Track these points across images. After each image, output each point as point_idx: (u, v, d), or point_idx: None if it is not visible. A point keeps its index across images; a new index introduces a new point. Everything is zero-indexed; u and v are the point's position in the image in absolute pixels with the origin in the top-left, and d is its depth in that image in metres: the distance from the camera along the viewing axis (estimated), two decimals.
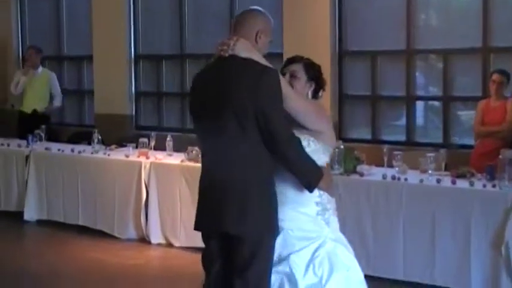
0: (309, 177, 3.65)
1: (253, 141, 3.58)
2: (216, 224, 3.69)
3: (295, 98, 3.72)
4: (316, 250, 3.70)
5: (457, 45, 8.48)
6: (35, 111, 9.91)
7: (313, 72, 3.91)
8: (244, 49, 3.67)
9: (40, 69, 10.19)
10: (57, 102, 10.28)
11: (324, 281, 3.66)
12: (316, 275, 3.67)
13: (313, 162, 3.66)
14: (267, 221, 3.63)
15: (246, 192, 3.60)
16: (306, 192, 3.69)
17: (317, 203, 3.74)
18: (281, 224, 3.73)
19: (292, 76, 3.87)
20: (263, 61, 3.67)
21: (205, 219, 3.75)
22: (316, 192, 3.71)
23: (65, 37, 12.10)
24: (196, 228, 3.83)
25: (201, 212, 3.79)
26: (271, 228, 3.65)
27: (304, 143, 3.70)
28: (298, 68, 3.88)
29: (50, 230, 7.89)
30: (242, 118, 3.56)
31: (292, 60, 3.94)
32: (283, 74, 3.86)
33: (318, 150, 3.75)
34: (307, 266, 3.69)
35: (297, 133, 3.69)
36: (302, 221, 3.74)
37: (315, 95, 3.95)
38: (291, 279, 3.69)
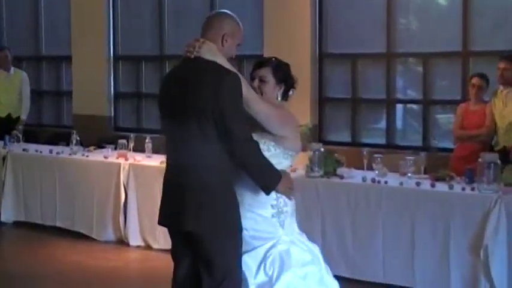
0: (265, 180, 3.74)
1: (212, 141, 3.64)
2: (174, 222, 3.79)
3: (258, 102, 3.78)
4: (268, 250, 3.81)
5: (437, 48, 8.53)
6: (9, 115, 9.76)
7: (282, 74, 3.95)
8: (208, 52, 3.73)
9: (12, 70, 10.01)
10: (26, 102, 10.01)
11: (273, 280, 3.75)
12: (267, 274, 3.78)
13: (270, 165, 3.73)
14: (225, 219, 3.69)
15: (204, 191, 3.67)
16: (263, 194, 3.77)
17: (273, 206, 3.84)
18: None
19: (261, 81, 3.92)
20: (227, 64, 3.73)
21: (167, 215, 3.85)
22: (273, 195, 3.79)
23: (44, 37, 12.02)
24: (159, 223, 3.93)
25: (163, 207, 3.89)
26: (229, 226, 3.70)
27: (264, 147, 3.78)
28: (266, 72, 3.93)
29: (28, 231, 7.82)
30: (202, 119, 3.63)
31: (260, 64, 3.98)
32: (253, 79, 3.94)
33: (277, 155, 3.84)
34: (259, 266, 3.79)
35: (258, 137, 3.76)
36: (257, 222, 3.84)
37: (285, 96, 3.99)
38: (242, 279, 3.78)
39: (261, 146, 3.75)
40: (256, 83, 3.91)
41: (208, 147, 3.65)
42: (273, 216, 3.84)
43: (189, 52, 3.76)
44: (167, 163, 3.94)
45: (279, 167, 3.79)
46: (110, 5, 10.97)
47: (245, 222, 3.79)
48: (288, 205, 3.88)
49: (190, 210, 3.67)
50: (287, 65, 4.03)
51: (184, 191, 3.70)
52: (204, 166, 3.67)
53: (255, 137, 3.76)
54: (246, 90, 3.72)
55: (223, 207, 3.69)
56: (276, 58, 4.03)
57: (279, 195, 3.82)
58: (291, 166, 4.01)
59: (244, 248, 3.80)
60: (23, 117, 9.88)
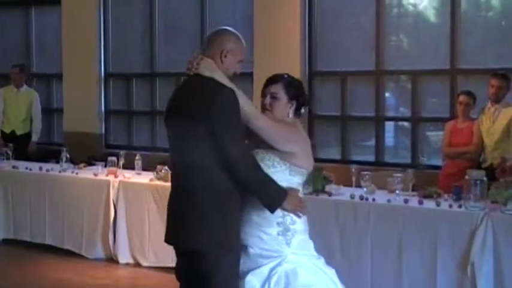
0: (269, 198, 3.69)
1: (208, 159, 3.62)
2: (175, 240, 3.81)
3: (258, 118, 3.74)
4: (273, 268, 3.73)
5: (425, 66, 8.59)
6: (13, 132, 9.79)
7: (294, 91, 3.89)
8: (207, 68, 3.73)
9: (24, 87, 10.05)
10: (38, 123, 10.05)
11: None
12: None
13: (273, 182, 3.68)
14: (223, 238, 3.65)
15: (202, 209, 3.65)
16: (268, 212, 3.71)
17: (278, 223, 3.76)
18: (245, 240, 3.77)
19: (273, 97, 3.86)
20: (225, 80, 3.71)
21: (168, 233, 3.87)
22: (279, 212, 3.72)
23: (34, 55, 12.04)
24: (165, 240, 3.93)
25: (167, 226, 3.90)
26: (226, 245, 3.66)
27: (269, 163, 3.73)
28: (278, 89, 3.87)
29: (17, 249, 7.79)
30: (198, 136, 3.63)
31: (272, 80, 3.92)
32: (264, 95, 3.89)
33: (283, 171, 3.76)
34: (263, 285, 3.71)
35: (263, 153, 3.73)
36: (263, 240, 3.77)
37: (297, 112, 3.94)
38: None
39: (266, 162, 3.73)
40: (267, 99, 3.87)
41: (204, 163, 3.63)
42: (278, 234, 3.75)
43: (188, 69, 3.78)
44: (171, 179, 3.96)
45: (285, 183, 3.73)
46: (101, 22, 11.02)
47: (251, 240, 3.76)
48: (295, 223, 3.78)
49: (189, 228, 3.67)
50: (300, 82, 4.00)
51: (183, 208, 3.71)
52: (202, 182, 3.65)
53: (259, 153, 3.74)
54: (246, 106, 3.69)
55: (221, 225, 3.65)
56: (288, 75, 3.97)
57: (286, 213, 3.74)
58: (301, 184, 3.91)
59: (249, 266, 3.75)
60: (34, 138, 9.93)
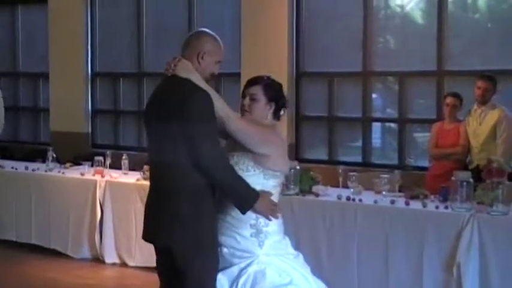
0: (240, 199, 3.75)
1: (182, 159, 3.67)
2: (151, 237, 3.89)
3: (234, 120, 3.78)
4: (243, 269, 3.78)
5: (412, 68, 8.62)
6: None
7: (273, 93, 3.92)
8: (183, 69, 3.78)
9: None
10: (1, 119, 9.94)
11: None
12: None
13: (245, 185, 3.74)
14: (196, 236, 3.69)
15: (176, 207, 3.71)
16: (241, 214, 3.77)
17: (251, 225, 3.81)
18: (220, 239, 3.82)
19: (252, 99, 3.89)
20: (201, 82, 3.76)
21: (145, 230, 3.95)
22: (252, 214, 3.78)
23: (21, 53, 11.99)
24: (142, 237, 4.00)
25: (144, 223, 3.97)
26: (200, 244, 3.71)
27: (243, 167, 3.79)
28: (257, 91, 3.90)
29: (2, 249, 7.74)
30: (172, 136, 3.69)
31: (252, 82, 3.95)
32: (244, 96, 3.92)
33: (257, 175, 3.81)
34: (231, 284, 3.77)
35: (237, 157, 3.80)
36: (237, 240, 3.82)
37: (276, 115, 3.96)
38: None
39: (240, 165, 3.78)
40: (246, 100, 3.90)
41: (179, 163, 3.68)
42: (251, 235, 3.80)
43: (166, 70, 3.83)
44: (150, 180, 4.00)
45: (259, 187, 3.78)
46: (88, 21, 10.99)
47: (226, 240, 3.81)
48: (269, 225, 3.82)
49: (164, 225, 3.75)
50: (279, 84, 4.01)
51: (158, 205, 3.79)
52: (177, 181, 3.71)
53: (235, 157, 3.78)
54: (222, 108, 3.74)
55: (195, 223, 3.70)
56: (268, 77, 3.99)
57: (259, 215, 3.80)
58: (276, 186, 3.92)
59: (222, 265, 3.79)
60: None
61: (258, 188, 3.78)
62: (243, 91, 3.96)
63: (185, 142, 3.64)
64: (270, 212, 3.81)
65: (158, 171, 3.86)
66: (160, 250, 3.90)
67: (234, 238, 3.81)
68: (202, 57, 3.84)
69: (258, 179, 3.80)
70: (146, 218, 3.93)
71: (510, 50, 8.20)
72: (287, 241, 3.97)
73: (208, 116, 3.67)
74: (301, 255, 3.99)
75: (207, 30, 3.99)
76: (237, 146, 3.81)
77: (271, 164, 3.82)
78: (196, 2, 10.07)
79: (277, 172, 3.88)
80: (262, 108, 3.90)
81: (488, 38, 8.36)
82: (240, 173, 3.77)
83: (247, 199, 3.74)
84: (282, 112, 3.97)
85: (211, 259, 3.76)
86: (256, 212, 3.77)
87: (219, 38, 3.95)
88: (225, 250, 3.82)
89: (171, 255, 3.73)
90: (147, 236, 3.94)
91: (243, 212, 3.75)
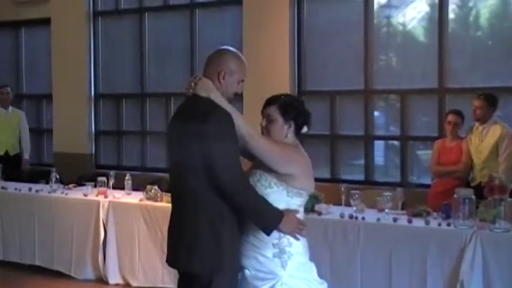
0: (264, 220, 3.63)
1: (202, 181, 3.57)
2: (172, 261, 3.83)
3: (257, 139, 3.69)
4: None
5: (414, 85, 8.64)
6: (7, 152, 9.79)
7: (290, 112, 3.81)
8: (203, 89, 3.69)
9: (10, 108, 10.05)
10: (27, 142, 10.10)
11: None
12: None
13: (268, 204, 3.64)
14: (216, 260, 3.61)
15: (196, 230, 3.63)
16: (264, 234, 3.67)
17: (274, 245, 3.69)
18: (242, 261, 3.74)
19: (268, 120, 3.82)
20: (221, 101, 3.67)
21: (168, 254, 3.88)
22: (275, 234, 3.67)
23: (24, 75, 12.05)
24: (165, 261, 3.94)
25: (167, 247, 3.91)
26: (220, 267, 3.62)
27: (265, 183, 3.69)
28: (273, 111, 3.81)
29: (6, 270, 7.74)
30: (192, 159, 3.59)
31: (268, 102, 3.87)
32: (263, 117, 3.85)
33: (281, 192, 3.70)
34: None
35: (260, 174, 3.71)
36: (259, 261, 3.71)
37: (298, 132, 3.87)
38: None
39: (263, 182, 3.68)
40: (264, 122, 3.82)
41: (199, 185, 3.59)
42: (274, 256, 3.69)
43: (186, 89, 3.76)
44: (171, 203, 3.93)
45: (283, 205, 3.68)
46: (91, 42, 11.05)
47: (247, 261, 3.73)
48: (292, 245, 3.71)
49: (184, 249, 3.67)
50: (298, 101, 3.93)
51: (179, 228, 3.72)
52: (197, 203, 3.62)
53: (257, 174, 3.71)
54: (243, 126, 3.64)
55: (215, 247, 3.61)
56: (285, 95, 3.93)
57: (282, 234, 3.67)
58: (301, 206, 3.80)
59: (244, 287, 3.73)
60: (26, 156, 10.00)
61: (282, 206, 3.68)
62: (262, 111, 3.88)
63: (205, 163, 3.53)
64: (296, 231, 3.71)
65: (178, 193, 3.78)
66: (181, 274, 3.85)
67: (257, 259, 3.71)
68: (223, 78, 3.75)
69: (281, 196, 3.69)
70: (168, 243, 3.88)
71: (511, 67, 8.22)
72: (312, 266, 3.86)
73: (228, 135, 3.57)
74: (325, 284, 3.88)
75: (229, 48, 3.90)
76: (262, 164, 3.71)
77: (295, 182, 3.72)
78: (198, 22, 10.13)
79: (302, 191, 3.77)
80: (280, 128, 3.80)
81: (490, 55, 8.39)
82: (262, 189, 3.67)
83: (271, 220, 3.63)
84: (305, 129, 3.87)
85: (231, 282, 3.68)
86: (281, 231, 3.67)
87: (242, 56, 3.87)
88: (247, 272, 3.72)
89: (190, 279, 3.68)
90: (169, 261, 3.87)
91: (268, 233, 3.63)
